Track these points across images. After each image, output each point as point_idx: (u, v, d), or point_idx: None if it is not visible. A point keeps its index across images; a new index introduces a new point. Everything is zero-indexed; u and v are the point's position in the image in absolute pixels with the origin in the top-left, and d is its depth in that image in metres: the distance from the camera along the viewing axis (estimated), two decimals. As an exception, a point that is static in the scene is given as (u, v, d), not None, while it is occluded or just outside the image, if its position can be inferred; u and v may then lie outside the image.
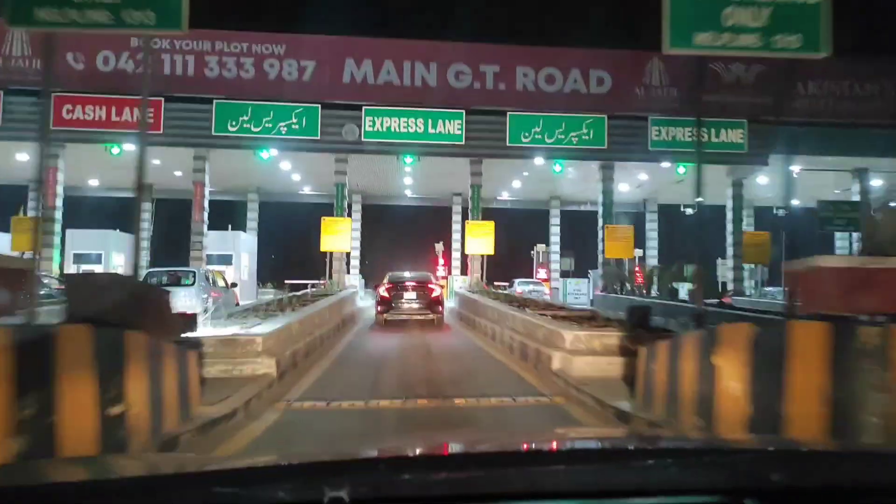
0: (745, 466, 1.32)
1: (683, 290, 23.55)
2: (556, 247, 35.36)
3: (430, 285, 16.06)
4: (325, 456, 1.51)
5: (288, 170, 28.79)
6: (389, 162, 26.58)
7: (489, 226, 24.62)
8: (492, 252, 24.43)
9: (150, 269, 17.39)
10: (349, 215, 33.11)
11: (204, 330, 8.02)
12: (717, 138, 24.56)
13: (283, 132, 23.65)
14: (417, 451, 1.73)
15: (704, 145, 24.97)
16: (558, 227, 35.40)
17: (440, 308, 15.68)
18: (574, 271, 35.04)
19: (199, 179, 24.93)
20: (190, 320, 7.58)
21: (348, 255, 34.97)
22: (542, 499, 1.17)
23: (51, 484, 1.35)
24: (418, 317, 15.41)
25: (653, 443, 1.90)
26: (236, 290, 20.79)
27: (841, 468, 1.39)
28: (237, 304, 17.11)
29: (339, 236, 24.05)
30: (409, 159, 24.51)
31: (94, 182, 32.54)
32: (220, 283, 17.43)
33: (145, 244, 32.62)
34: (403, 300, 15.62)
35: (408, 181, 31.59)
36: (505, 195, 34.75)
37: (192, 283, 15.44)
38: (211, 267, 22.51)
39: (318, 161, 26.04)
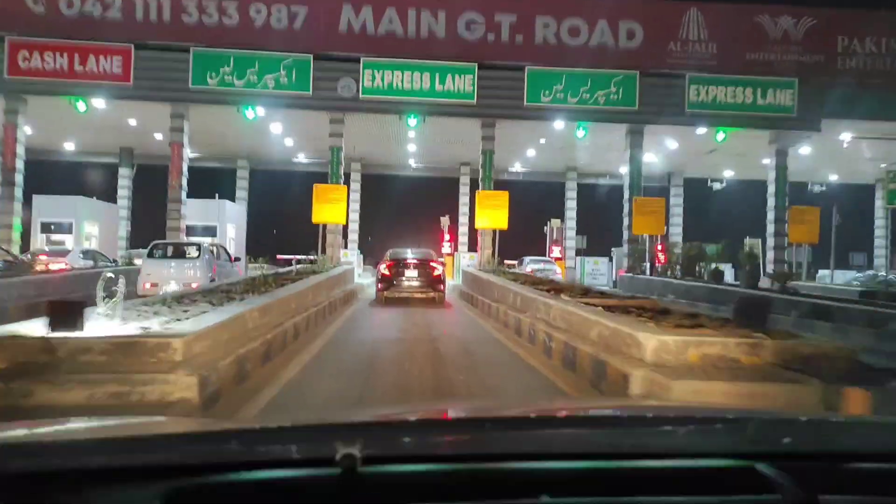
0: (757, 432, 1.31)
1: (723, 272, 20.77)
2: (571, 223, 32.55)
3: (431, 263, 15.59)
4: (336, 417, 1.58)
5: (279, 133, 25.95)
6: (391, 124, 23.74)
7: (502, 197, 21.84)
8: (505, 226, 21.69)
9: (155, 242, 16.61)
10: (346, 184, 30.37)
11: (98, 326, 5.30)
12: (763, 100, 21.68)
13: (270, 86, 20.81)
14: (429, 414, 1.76)
15: (748, 108, 22.14)
16: (574, 202, 32.57)
17: (441, 286, 15.44)
18: (586, 249, 32.27)
19: (176, 140, 22.13)
20: (70, 311, 4.89)
21: (346, 228, 32.32)
22: (551, 460, 1.15)
23: (56, 443, 1.26)
24: (419, 295, 15.16)
25: (665, 411, 1.91)
26: (239, 263, 19.61)
27: (845, 434, 1.44)
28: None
29: (334, 206, 21.28)
30: (412, 120, 21.65)
31: (69, 146, 29.77)
32: (223, 256, 17.24)
33: (124, 213, 29.97)
34: (404, 278, 15.24)
35: (411, 148, 28.73)
36: (517, 166, 31.89)
37: (198, 257, 15.37)
38: (204, 240, 19.81)
39: (313, 122, 23.21)
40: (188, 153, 22.57)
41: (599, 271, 27.61)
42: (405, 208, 38.02)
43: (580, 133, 22.04)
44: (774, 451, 1.20)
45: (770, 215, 23.74)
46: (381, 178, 34.63)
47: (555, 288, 10.51)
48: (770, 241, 23.87)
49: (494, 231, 22.53)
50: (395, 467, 1.09)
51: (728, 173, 32.43)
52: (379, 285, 15.49)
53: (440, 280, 15.34)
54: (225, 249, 18.32)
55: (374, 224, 36.10)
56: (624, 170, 31.62)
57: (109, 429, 1.47)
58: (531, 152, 28.72)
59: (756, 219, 37.69)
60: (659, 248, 24.51)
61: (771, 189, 23.63)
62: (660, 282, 19.46)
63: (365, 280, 24.25)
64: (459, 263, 27.70)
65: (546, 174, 33.07)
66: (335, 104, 21.33)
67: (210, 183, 31.59)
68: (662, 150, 26.28)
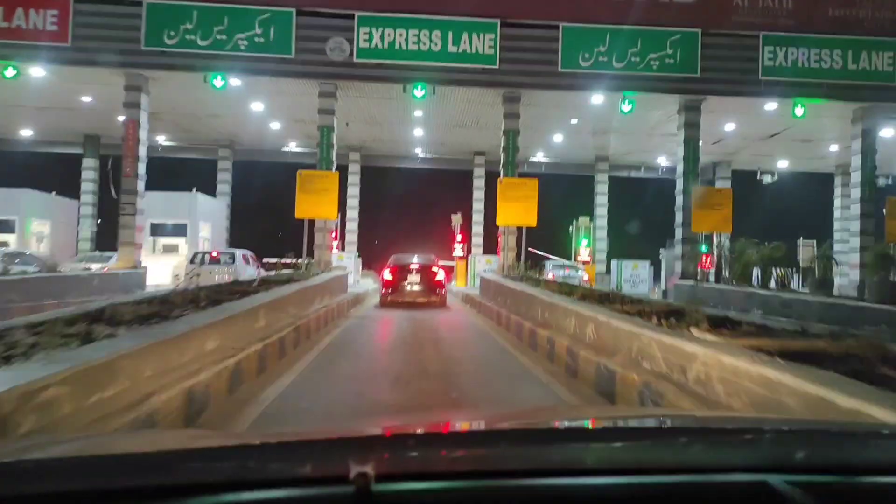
0: (771, 444, 1.29)
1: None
2: (602, 221, 28.34)
3: (432, 268, 15.77)
4: (346, 431, 1.49)
5: (261, 113, 21.90)
6: (393, 101, 19.67)
7: (530, 186, 17.70)
8: (534, 222, 17.53)
9: (196, 251, 18.92)
10: (342, 173, 26.29)
11: None
12: (855, 65, 17.48)
13: (243, 48, 16.76)
14: (447, 427, 1.66)
15: (836, 74, 17.92)
16: (605, 197, 28.35)
17: (442, 290, 15.80)
18: (610, 251, 28.05)
19: (132, 117, 18.07)
20: None
21: (343, 229, 28.24)
22: (574, 475, 1.09)
23: (55, 459, 1.22)
24: (421, 299, 15.38)
25: (676, 421, 1.80)
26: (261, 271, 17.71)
27: (866, 445, 1.37)
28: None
29: (322, 198, 17.20)
30: (419, 91, 17.51)
31: (26, 132, 25.80)
32: (252, 263, 18.70)
33: (89, 210, 25.95)
34: (406, 283, 15.38)
35: (418, 133, 24.60)
36: (539, 155, 27.73)
37: (232, 262, 17.80)
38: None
39: (302, 99, 19.20)
40: (145, 135, 18.47)
41: (639, 277, 23.45)
42: (411, 205, 33.90)
43: (626, 107, 17.83)
44: (788, 464, 1.15)
45: (854, 209, 19.47)
46: (384, 171, 30.54)
47: (646, 311, 6.28)
48: (854, 242, 19.59)
49: (520, 229, 18.41)
50: (410, 485, 1.02)
51: (781, 164, 28.19)
52: (382, 290, 15.81)
53: (441, 285, 15.73)
54: (254, 257, 19.36)
55: (377, 223, 31.95)
56: (661, 160, 27.72)
57: (110, 444, 1.44)
58: (558, 138, 24.54)
59: (807, 216, 33.59)
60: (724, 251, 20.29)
61: (855, 178, 19.35)
62: (738, 293, 15.27)
63: (362, 288, 20.21)
64: (474, 268, 23.54)
65: (573, 165, 28.86)
66: (324, 70, 17.24)
67: (189, 176, 27.64)
68: (714, 133, 22.02)
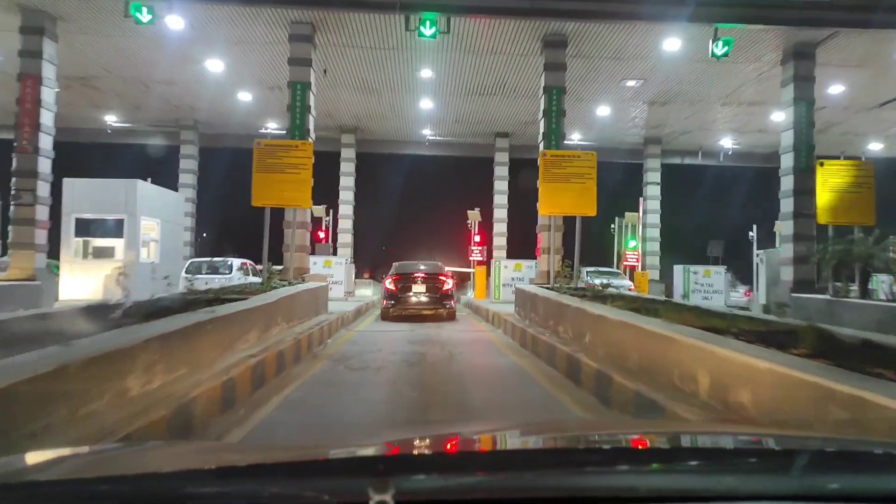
0: (805, 468, 1.11)
1: None
2: (653, 217, 23.05)
3: (440, 277, 13.92)
4: (368, 449, 1.45)
5: (222, 76, 16.83)
6: (391, 49, 14.58)
7: (586, 160, 12.47)
8: (594, 210, 12.23)
9: (192, 260, 17.26)
10: (333, 160, 21.30)
11: None
12: None
13: (173, -39, 11.69)
14: (476, 446, 1.52)
15: None
16: (658, 188, 23.09)
17: (451, 302, 13.84)
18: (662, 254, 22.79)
19: (30, 70, 13.08)
20: None
21: (335, 228, 23.12)
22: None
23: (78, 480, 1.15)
24: (427, 311, 13.65)
25: (706, 440, 1.59)
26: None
27: None
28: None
29: (290, 178, 12.02)
30: (428, 28, 12.35)
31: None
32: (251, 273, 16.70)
33: None
34: (411, 293, 13.58)
35: (426, 105, 19.42)
36: (575, 136, 22.49)
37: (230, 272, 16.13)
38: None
39: (272, 51, 14.27)
40: (52, 97, 13.47)
41: (712, 286, 18.15)
42: (419, 200, 28.65)
43: (719, 49, 12.56)
44: (825, 493, 1.06)
45: None
46: (385, 158, 25.43)
47: None
48: None
49: (568, 223, 13.21)
50: None
51: (873, 147, 22.86)
52: (384, 301, 14.11)
53: (449, 295, 13.89)
54: (253, 265, 17.30)
55: (376, 222, 26.79)
56: (725, 141, 22.43)
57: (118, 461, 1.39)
58: (603, 111, 19.32)
59: None
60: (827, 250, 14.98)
61: None
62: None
63: (353, 304, 15.20)
64: (499, 276, 18.32)
65: (616, 150, 23.55)
66: (290, -6, 12.16)
67: (148, 166, 22.59)
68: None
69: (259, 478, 1.08)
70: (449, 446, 1.54)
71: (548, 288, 11.53)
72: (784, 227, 14.10)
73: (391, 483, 0.98)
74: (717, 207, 27.65)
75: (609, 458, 1.27)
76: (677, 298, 16.76)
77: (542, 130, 13.67)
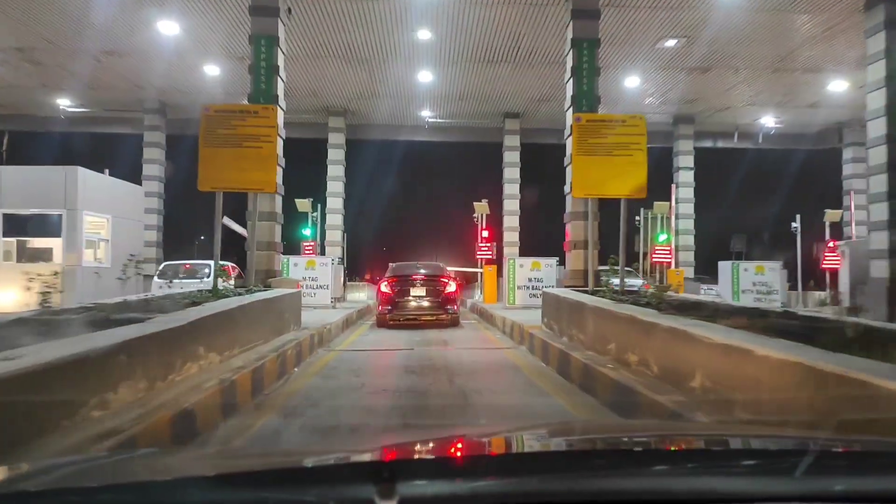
0: (809, 468, 1.07)
1: None
2: (686, 208, 20.27)
3: (441, 278, 12.71)
4: (372, 454, 1.40)
5: (179, 41, 14.10)
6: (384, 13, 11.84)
7: (633, 125, 9.58)
8: (643, 192, 9.39)
9: (167, 263, 15.46)
10: (320, 147, 18.65)
11: None
12: None
13: None
14: (489, 449, 1.48)
15: None
16: (692, 174, 20.32)
17: (455, 306, 12.62)
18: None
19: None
20: None
21: (323, 225, 20.34)
22: None
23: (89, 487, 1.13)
24: (427, 317, 12.37)
25: (712, 443, 1.51)
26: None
27: None
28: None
29: (249, 154, 9.18)
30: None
31: None
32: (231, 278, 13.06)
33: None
34: (410, 297, 12.36)
35: (424, 78, 16.64)
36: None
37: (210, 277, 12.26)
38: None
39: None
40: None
41: (766, 285, 15.34)
42: (419, 192, 25.85)
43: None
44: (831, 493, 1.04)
45: None
46: (380, 145, 22.63)
47: None
48: None
49: (607, 207, 10.41)
50: None
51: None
52: (380, 307, 12.74)
53: (452, 299, 12.55)
54: (236, 269, 15.06)
55: (373, 218, 24.05)
56: (766, 119, 19.63)
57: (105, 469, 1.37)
58: (631, 83, 16.57)
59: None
60: None
61: None
62: None
63: (339, 313, 12.62)
64: (513, 277, 15.55)
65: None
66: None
67: (112, 159, 19.85)
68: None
69: (261, 485, 1.06)
70: (453, 450, 1.48)
71: (588, 293, 8.79)
72: (875, 212, 11.29)
73: (396, 489, 0.96)
74: (749, 197, 24.87)
75: (631, 461, 1.24)
76: (726, 300, 13.91)
77: (570, 93, 10.92)
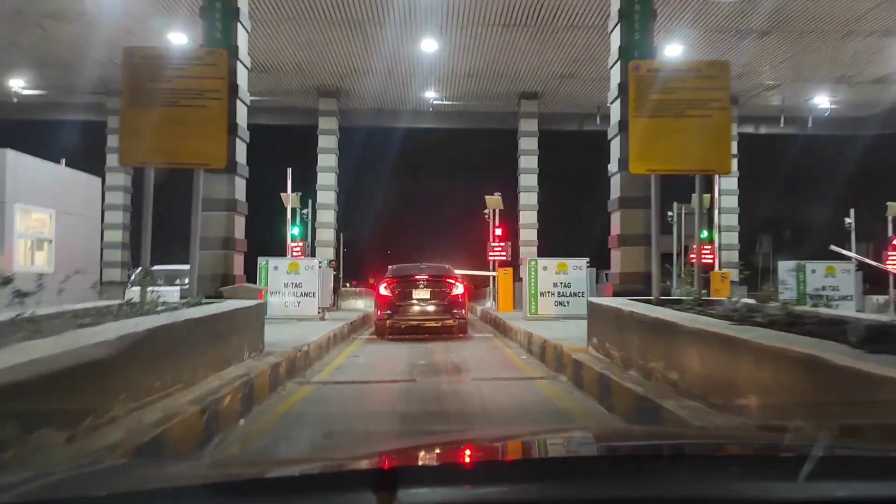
0: (811, 473, 1.03)
1: None
2: (730, 200, 17.76)
3: (447, 280, 11.80)
4: (371, 461, 1.35)
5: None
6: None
7: (714, 75, 7.09)
8: (727, 163, 6.92)
9: (155, 267, 11.41)
10: (309, 133, 16.28)
11: None
12: None
13: None
14: (490, 456, 1.47)
15: None
16: (736, 162, 17.81)
17: (462, 311, 11.77)
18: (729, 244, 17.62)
19: None
20: None
21: (313, 222, 17.86)
22: None
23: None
24: (432, 323, 11.46)
25: (710, 448, 1.50)
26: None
27: None
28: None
29: (189, 114, 6.69)
30: None
31: None
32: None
33: None
34: (412, 301, 11.38)
35: (428, 48, 14.18)
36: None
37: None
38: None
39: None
40: None
41: (837, 289, 12.73)
42: (421, 185, 23.41)
43: None
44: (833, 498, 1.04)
45: None
46: (380, 133, 20.18)
47: None
48: None
49: (697, 181, 8.10)
50: None
51: None
52: (378, 312, 11.83)
53: (459, 303, 11.58)
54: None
55: (372, 218, 21.65)
56: (820, 99, 17.07)
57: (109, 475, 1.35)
58: (672, 51, 14.06)
59: None
60: None
61: None
62: None
63: (326, 327, 10.31)
64: (535, 282, 13.04)
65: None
66: None
67: (85, 150, 17.46)
68: None
69: (261, 494, 1.05)
70: (454, 457, 1.47)
71: (653, 304, 6.34)
72: None
73: (397, 497, 0.95)
74: (795, 189, 22.31)
75: (632, 467, 1.22)
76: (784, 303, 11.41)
77: (618, 44, 8.42)
